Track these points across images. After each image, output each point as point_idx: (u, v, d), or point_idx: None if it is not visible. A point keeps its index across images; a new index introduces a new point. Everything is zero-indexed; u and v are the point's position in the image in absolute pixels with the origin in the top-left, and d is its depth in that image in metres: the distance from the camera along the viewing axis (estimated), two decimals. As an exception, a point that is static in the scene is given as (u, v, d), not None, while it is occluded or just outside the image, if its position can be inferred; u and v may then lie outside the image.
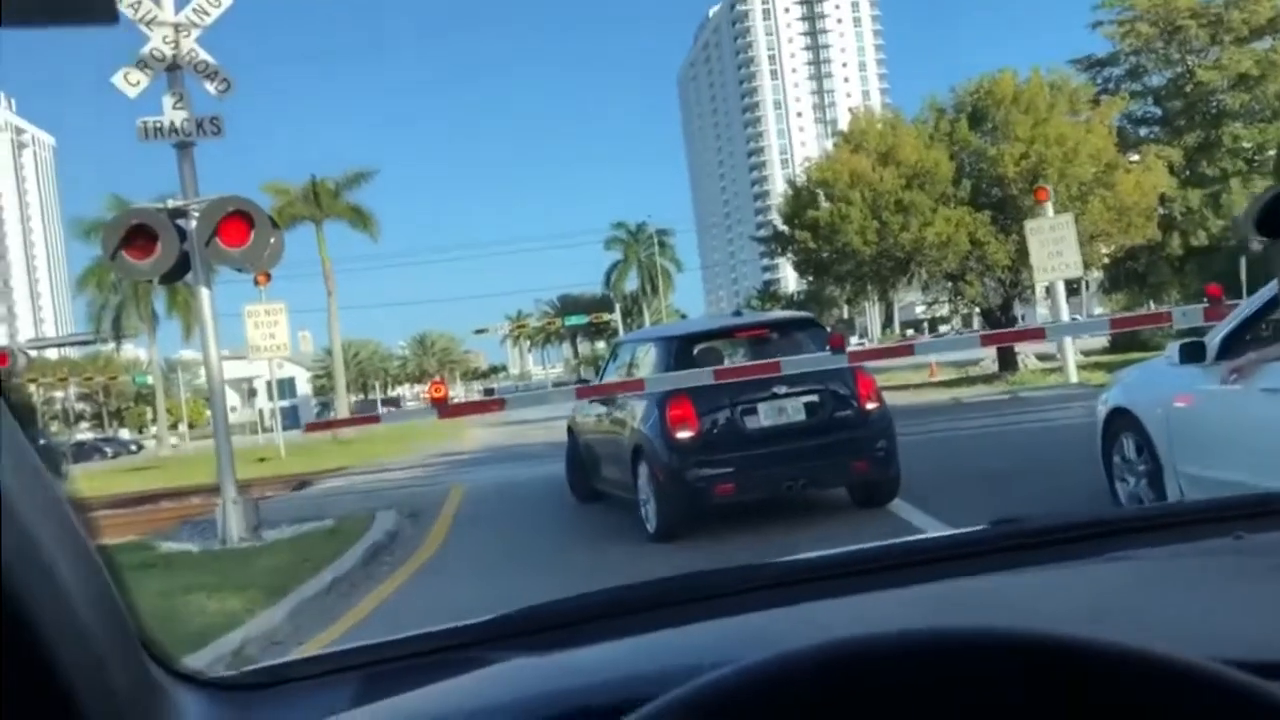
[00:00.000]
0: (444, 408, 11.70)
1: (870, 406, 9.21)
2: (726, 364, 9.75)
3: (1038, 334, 19.42)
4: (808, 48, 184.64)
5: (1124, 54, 36.05)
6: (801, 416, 8.99)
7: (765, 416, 8.94)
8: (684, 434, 8.81)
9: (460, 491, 14.12)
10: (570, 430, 11.95)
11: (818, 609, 1.31)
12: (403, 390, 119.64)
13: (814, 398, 9.04)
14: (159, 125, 11.30)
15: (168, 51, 11.24)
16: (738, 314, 14.24)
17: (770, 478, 8.89)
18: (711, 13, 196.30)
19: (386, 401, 69.31)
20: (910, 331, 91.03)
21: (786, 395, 9.02)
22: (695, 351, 9.72)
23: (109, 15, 1.03)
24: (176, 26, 11.28)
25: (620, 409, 9.96)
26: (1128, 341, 27.53)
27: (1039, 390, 21.79)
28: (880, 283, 31.18)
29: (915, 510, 8.82)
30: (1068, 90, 29.24)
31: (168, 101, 11.36)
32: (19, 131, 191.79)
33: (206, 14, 11.47)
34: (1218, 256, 31.47)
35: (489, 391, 19.81)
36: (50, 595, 0.77)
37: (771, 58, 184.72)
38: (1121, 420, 7.28)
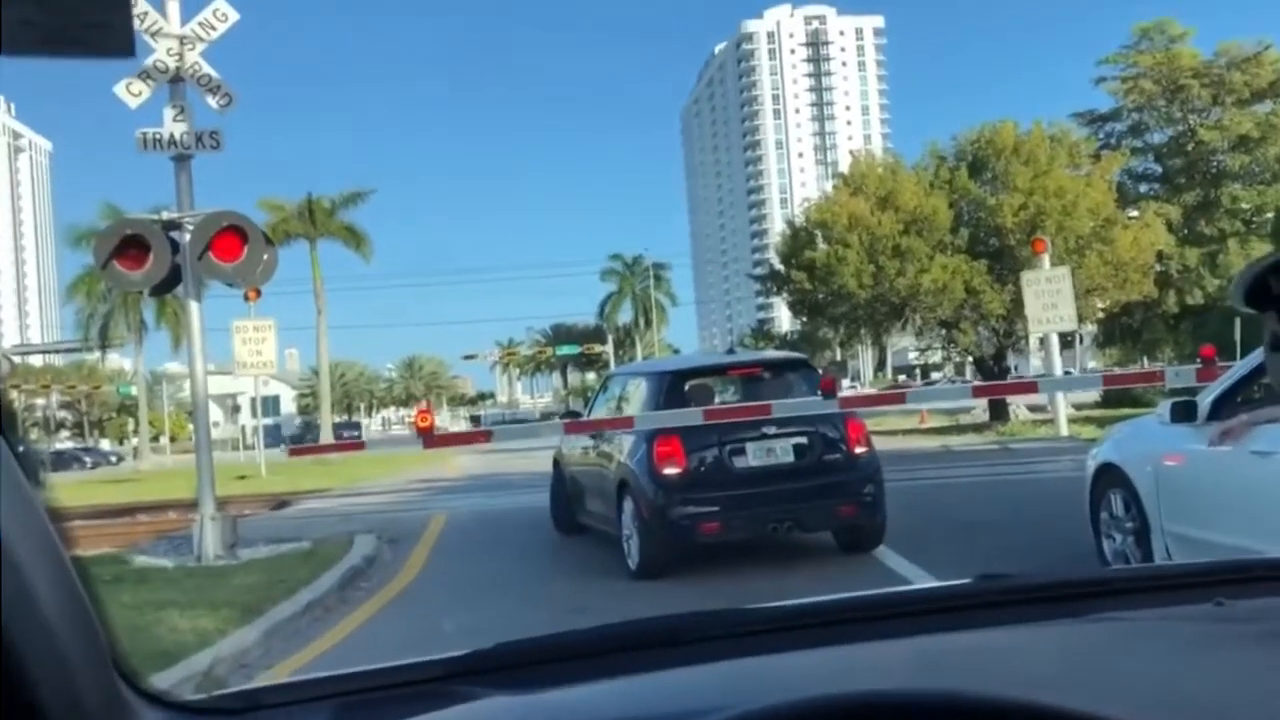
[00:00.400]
0: (430, 438, 11.47)
1: (859, 451, 9.17)
2: (718, 402, 9.77)
3: (1030, 387, 19.47)
4: (811, 89, 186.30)
5: (1126, 110, 36.38)
6: (790, 458, 8.91)
7: (753, 456, 8.85)
8: (671, 471, 8.72)
9: (441, 519, 14.00)
10: (556, 462, 11.88)
11: (797, 658, 1.32)
12: (388, 413, 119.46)
13: (803, 439, 8.97)
14: (158, 136, 11.28)
15: (171, 63, 11.25)
16: (731, 352, 14.24)
17: (756, 518, 8.80)
18: (717, 50, 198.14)
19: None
20: (903, 377, 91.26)
21: (775, 436, 8.96)
22: (687, 388, 9.68)
23: (126, 50, 1.04)
24: (181, 39, 11.29)
25: (608, 443, 9.89)
26: (1119, 397, 27.59)
27: (1029, 442, 21.77)
28: (874, 326, 31.23)
29: (900, 558, 8.76)
30: (1068, 143, 29.46)
31: (168, 113, 11.35)
32: (16, 136, 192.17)
33: (213, 28, 11.49)
34: (1213, 316, 31.60)
35: (475, 420, 19.74)
36: (22, 604, 0.75)
37: (775, 98, 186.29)
38: (1110, 476, 7.23)
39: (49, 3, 0.96)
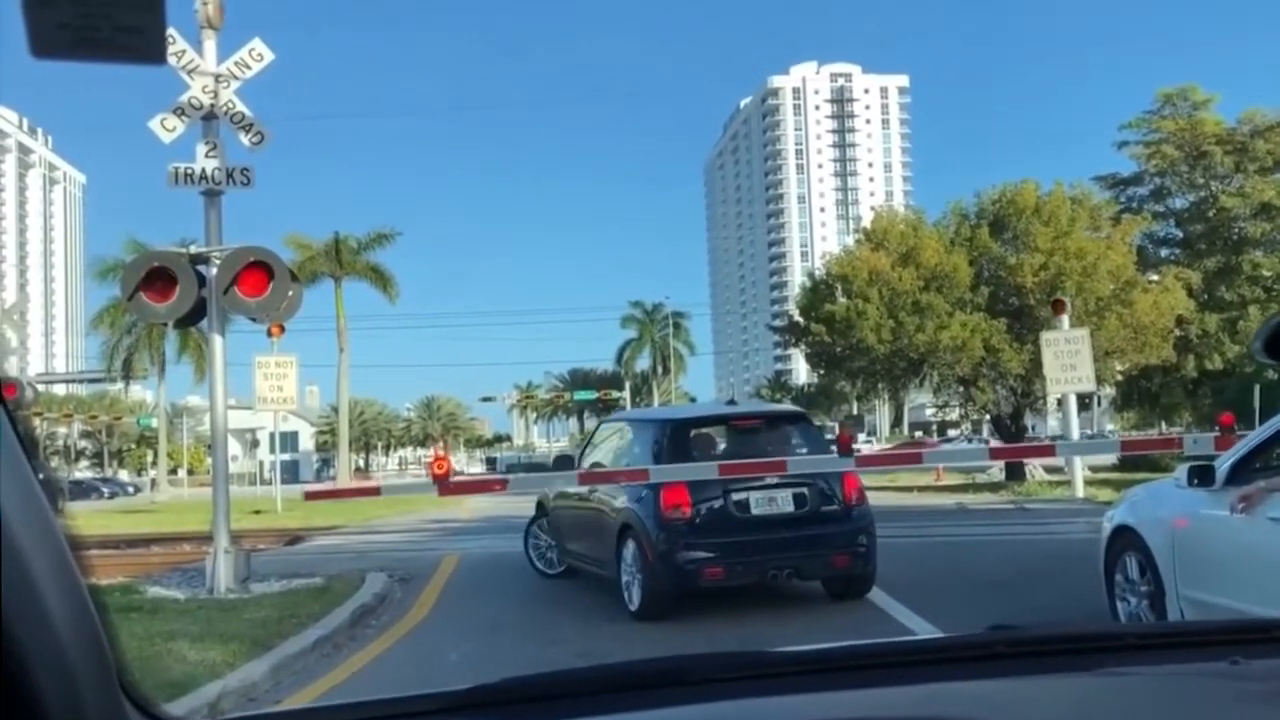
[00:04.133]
0: (444, 484, 11.51)
1: (854, 503, 9.49)
2: (719, 451, 10.01)
3: (1048, 450, 19.35)
4: (835, 145, 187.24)
5: (1148, 175, 36.43)
6: (790, 507, 9.21)
7: (756, 505, 9.15)
8: (677, 516, 8.96)
9: (454, 560, 13.98)
10: (540, 504, 12.03)
11: (803, 702, 1.32)
12: (405, 453, 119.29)
13: (803, 490, 9.30)
14: (190, 172, 11.45)
15: (206, 100, 11.44)
16: (732, 403, 14.35)
17: (757, 565, 9.07)
18: (743, 104, 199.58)
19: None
20: (919, 433, 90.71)
21: (777, 486, 9.26)
22: (690, 437, 9.98)
23: (158, 56, 1.05)
24: (217, 77, 11.50)
25: (606, 488, 10.07)
26: (1136, 461, 27.35)
27: (1045, 502, 21.58)
28: (892, 382, 31.15)
29: (910, 612, 8.69)
30: (1089, 205, 29.50)
31: (201, 149, 11.52)
32: (51, 168, 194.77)
33: (248, 67, 11.70)
34: (1232, 382, 31.40)
35: (491, 462, 19.68)
36: (37, 626, 0.77)
37: (799, 152, 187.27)
38: (1126, 539, 7.19)
39: (84, 5, 0.96)
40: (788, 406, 13.56)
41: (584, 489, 10.61)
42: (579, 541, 10.78)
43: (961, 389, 30.07)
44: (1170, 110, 35.97)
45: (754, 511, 9.12)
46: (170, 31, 11.82)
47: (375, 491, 19.49)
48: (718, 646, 1.60)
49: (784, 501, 9.22)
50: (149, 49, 1.03)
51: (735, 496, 9.12)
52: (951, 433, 77.45)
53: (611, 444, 11.02)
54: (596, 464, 10.96)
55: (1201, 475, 6.45)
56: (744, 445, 9.99)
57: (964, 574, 11.22)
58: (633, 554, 9.22)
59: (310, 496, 17.95)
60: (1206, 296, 33.53)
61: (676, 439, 9.83)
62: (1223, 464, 6.43)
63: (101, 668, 0.88)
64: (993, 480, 28.96)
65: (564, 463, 13.15)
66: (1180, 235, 36.82)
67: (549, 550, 11.76)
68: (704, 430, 10.33)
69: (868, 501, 9.74)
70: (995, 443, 31.52)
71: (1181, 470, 6.73)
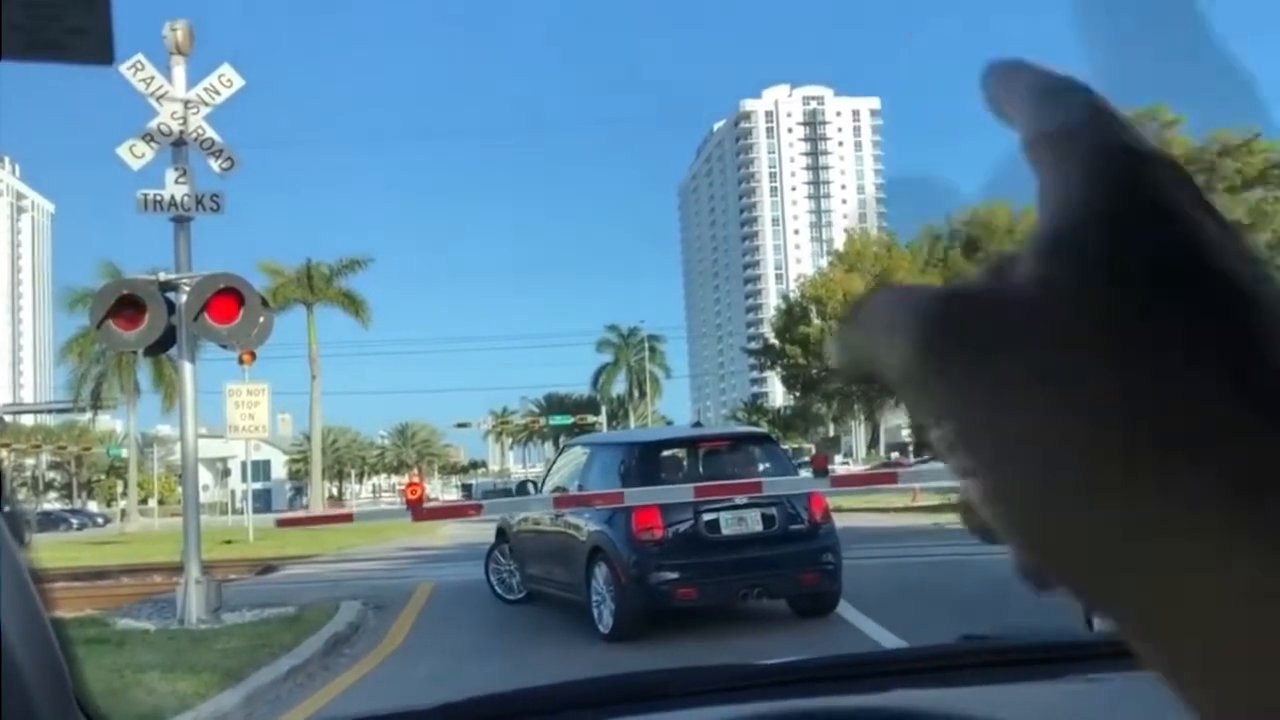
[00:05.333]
0: (419, 510, 11.56)
1: (821, 521, 9.71)
2: (686, 473, 10.17)
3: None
4: (808, 168, 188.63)
5: (1117, 194, 36.88)
6: (759, 527, 9.40)
7: (726, 525, 9.31)
8: (649, 538, 9.09)
9: (428, 587, 13.87)
10: (501, 531, 12.00)
11: (777, 710, 1.31)
12: (379, 480, 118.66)
13: (771, 510, 9.49)
14: (159, 198, 11.39)
15: (175, 126, 11.39)
16: (698, 425, 14.60)
17: (728, 584, 9.27)
18: (716, 128, 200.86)
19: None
20: (895, 454, 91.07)
21: (746, 506, 9.43)
22: (659, 459, 10.21)
23: (104, 54, 1.05)
24: (186, 103, 11.45)
25: (574, 512, 10.13)
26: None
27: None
28: (867, 403, 31.35)
29: (885, 630, 8.69)
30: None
31: (170, 175, 11.47)
32: (20, 196, 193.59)
33: (217, 93, 11.66)
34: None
35: (467, 489, 19.62)
36: None
37: (773, 175, 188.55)
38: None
39: (35, 7, 0.98)
40: (752, 428, 13.90)
41: (548, 514, 10.68)
42: (544, 566, 10.80)
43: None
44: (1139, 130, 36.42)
45: (724, 532, 9.27)
46: (139, 58, 11.80)
47: (348, 518, 19.32)
48: (692, 664, 1.58)
49: (753, 521, 9.38)
50: (94, 49, 1.03)
51: (706, 517, 9.25)
52: (927, 454, 77.84)
53: (574, 468, 11.06)
54: (559, 488, 10.98)
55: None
56: (711, 467, 10.19)
57: (940, 592, 11.22)
58: (604, 576, 9.29)
59: (283, 524, 17.84)
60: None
61: (645, 461, 9.96)
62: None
63: (64, 703, 0.86)
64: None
65: (525, 489, 13.17)
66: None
67: (510, 576, 11.73)
68: (672, 452, 10.48)
69: (833, 520, 9.95)
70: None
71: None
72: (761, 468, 10.14)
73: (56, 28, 1.00)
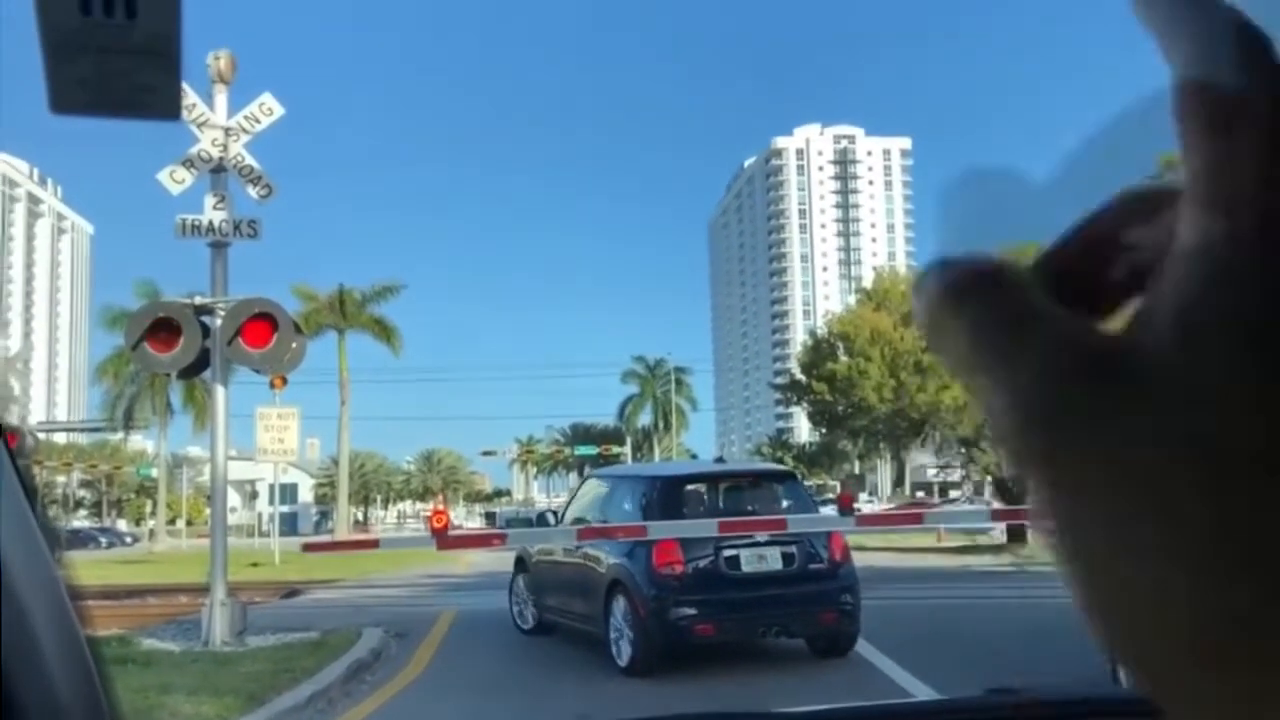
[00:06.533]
0: (444, 538, 11.58)
1: (840, 561, 9.71)
2: (704, 509, 10.17)
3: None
4: (838, 205, 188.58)
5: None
6: (779, 565, 9.43)
7: (746, 563, 9.33)
8: (670, 573, 9.11)
9: (450, 616, 13.87)
10: (520, 560, 12.10)
11: None
12: (404, 506, 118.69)
13: (791, 549, 9.50)
14: (197, 223, 11.54)
15: (215, 154, 11.57)
16: (720, 460, 14.62)
17: (747, 621, 9.29)
18: (746, 164, 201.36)
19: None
20: (920, 494, 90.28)
21: (766, 544, 9.44)
22: (681, 493, 10.26)
23: (173, 113, 1.06)
24: (227, 131, 11.63)
25: (593, 544, 10.16)
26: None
27: (1048, 566, 21.36)
28: (894, 441, 31.12)
29: (908, 674, 8.61)
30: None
31: (209, 201, 11.63)
32: (60, 218, 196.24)
33: (258, 121, 11.84)
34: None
35: (490, 517, 19.62)
36: (33, 674, 0.76)
37: (802, 212, 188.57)
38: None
39: (104, 63, 0.96)
40: (776, 465, 13.97)
41: (569, 545, 10.71)
42: (562, 597, 10.84)
43: (963, 450, 30.00)
44: (1172, 176, 36.20)
45: (744, 569, 9.28)
46: (182, 86, 11.97)
47: (374, 544, 19.35)
48: (713, 704, 1.57)
49: (773, 559, 9.40)
50: (165, 106, 1.03)
51: (726, 554, 9.26)
52: (953, 493, 77.03)
53: (595, 500, 11.14)
54: (579, 519, 11.03)
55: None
56: (733, 502, 10.23)
57: (963, 636, 11.12)
58: (623, 610, 9.31)
59: (308, 548, 17.85)
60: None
61: (667, 496, 10.02)
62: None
63: (98, 718, 0.87)
64: (994, 542, 28.80)
65: (544, 520, 13.24)
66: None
67: (525, 606, 11.81)
68: (694, 487, 10.51)
69: (852, 561, 9.93)
70: (997, 504, 31.38)
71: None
72: (784, 505, 10.15)
73: (125, 84, 0.99)
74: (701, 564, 9.23)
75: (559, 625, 11.05)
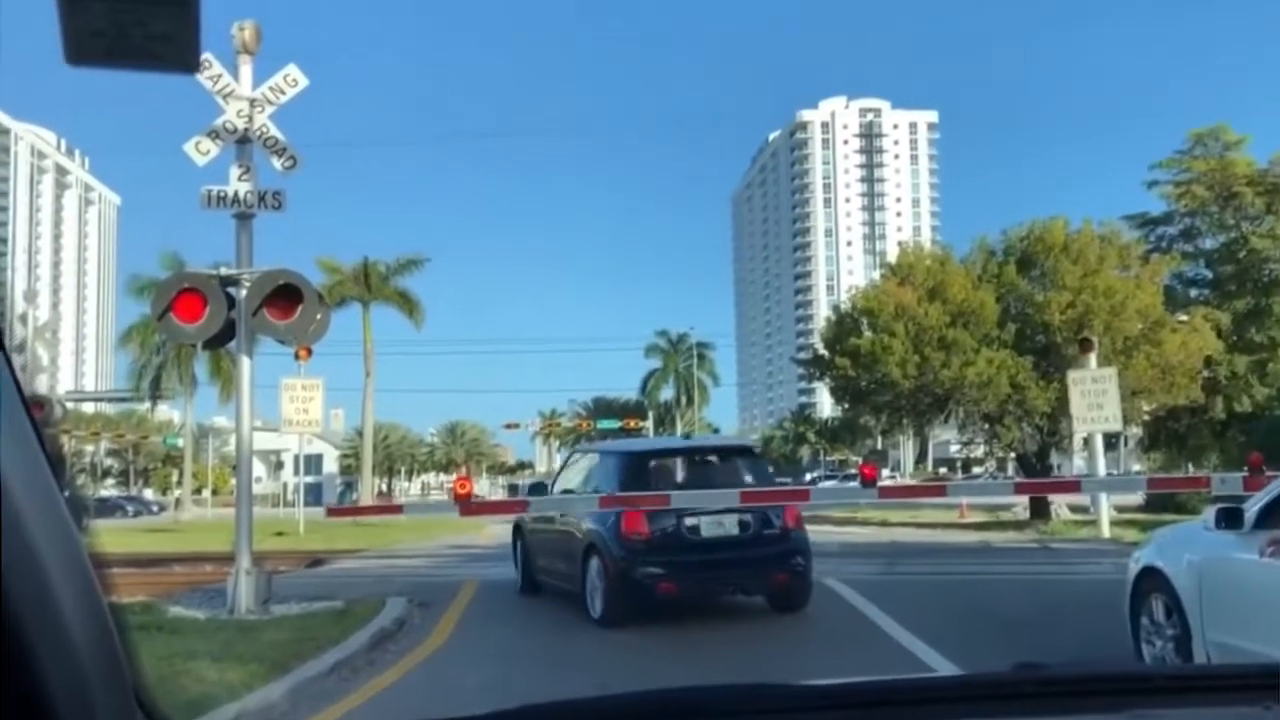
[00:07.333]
0: (466, 505, 12.34)
1: (791, 528, 10.64)
2: (673, 481, 11.03)
3: (1073, 486, 19.19)
4: (863, 180, 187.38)
5: (1178, 215, 36.16)
6: (735, 531, 10.38)
7: (705, 529, 10.31)
8: (636, 538, 10.13)
9: (473, 586, 13.96)
10: (517, 528, 13.29)
11: None
12: (428, 478, 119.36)
13: (747, 517, 10.45)
14: (222, 194, 11.57)
15: (240, 125, 11.58)
16: (687, 436, 16.02)
17: (705, 581, 10.42)
18: (771, 138, 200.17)
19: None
20: (943, 470, 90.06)
21: (724, 512, 10.33)
22: (650, 466, 11.31)
23: (190, 65, 1.04)
24: (252, 101, 11.63)
25: (573, 513, 11.31)
26: (1163, 502, 27.05)
27: (1070, 542, 21.36)
28: (917, 417, 30.95)
29: (932, 650, 8.59)
30: (1118, 244, 29.29)
31: (234, 172, 11.65)
32: (87, 189, 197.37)
33: (282, 92, 11.83)
34: (1261, 424, 31.03)
35: (513, 489, 19.87)
36: (56, 641, 0.77)
37: (826, 186, 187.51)
38: (1152, 580, 7.10)
39: (119, 13, 0.95)
40: (736, 441, 15.88)
41: (553, 515, 11.86)
42: (549, 559, 11.97)
43: (987, 426, 29.85)
44: (1201, 150, 35.76)
45: (704, 534, 10.30)
46: (207, 55, 12.00)
47: (397, 510, 19.58)
48: (737, 681, 1.57)
49: (730, 525, 10.37)
50: (181, 57, 1.01)
51: (688, 521, 10.26)
52: (976, 470, 76.79)
53: (580, 472, 12.36)
54: (567, 490, 12.14)
55: (1230, 518, 6.37)
56: (698, 474, 11.16)
57: (986, 612, 11.11)
58: (596, 570, 10.34)
59: (332, 513, 18.02)
60: (1236, 338, 33.19)
61: (639, 468, 11.19)
62: (1252, 507, 6.36)
63: (119, 685, 0.88)
64: (1017, 519, 28.71)
65: (538, 489, 14.36)
66: (1210, 276, 36.50)
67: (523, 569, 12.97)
68: (663, 461, 11.47)
69: (804, 527, 10.93)
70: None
71: (1210, 512, 6.66)
72: (746, 478, 11.03)
73: (140, 33, 0.97)
74: (666, 530, 10.17)
75: (545, 585, 12.16)
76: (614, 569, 10.08)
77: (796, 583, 10.56)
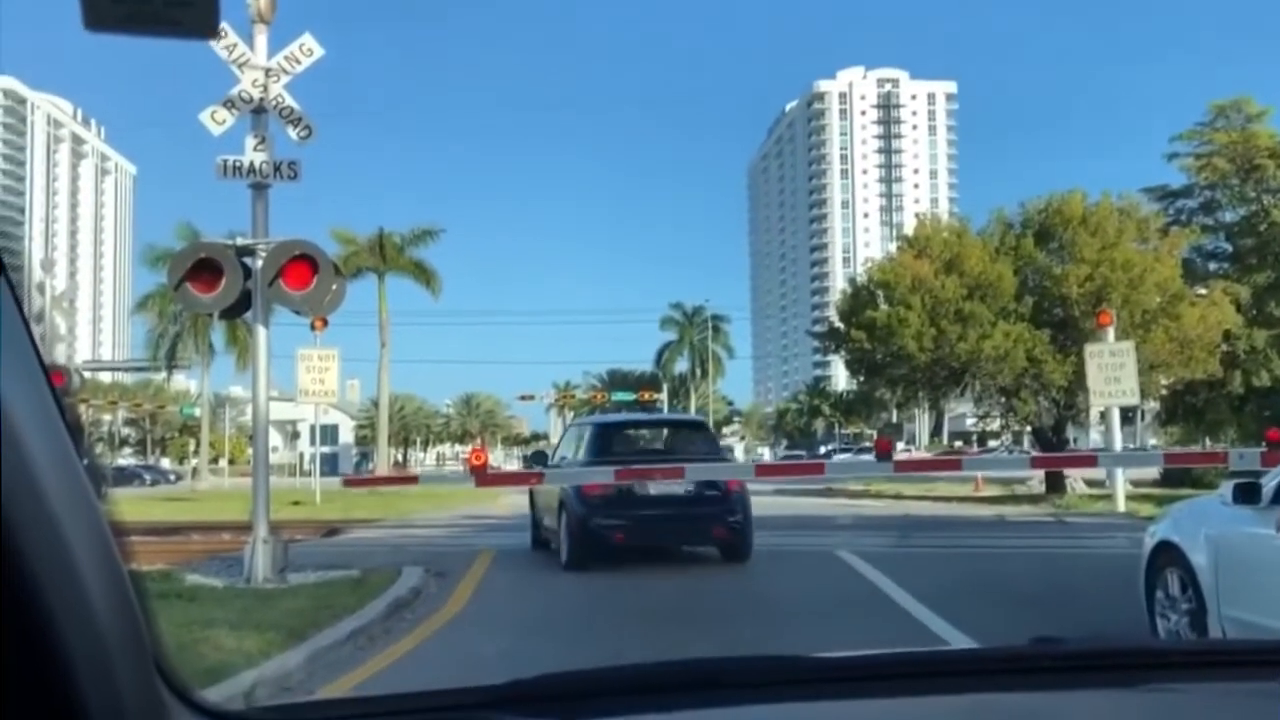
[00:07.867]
0: (482, 475, 13.16)
1: (732, 491, 12.34)
2: (636, 448, 13.99)
3: (1089, 460, 19.13)
4: (880, 151, 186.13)
5: (1198, 187, 35.85)
6: (680, 491, 12.14)
7: (655, 488, 12.09)
8: (594, 495, 11.95)
9: (489, 556, 14.04)
10: (531, 493, 14.82)
11: (842, 709, 1.32)
12: (443, 449, 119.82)
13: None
14: (238, 164, 11.56)
15: (256, 94, 11.55)
16: (655, 409, 19.14)
17: (654, 533, 12.28)
18: (788, 108, 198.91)
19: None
20: (959, 443, 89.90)
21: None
22: (616, 435, 13.78)
23: (209, 30, 1.02)
24: (267, 71, 11.61)
25: (561, 477, 13.01)
26: (1180, 476, 26.97)
27: (1085, 516, 21.34)
28: (932, 390, 30.87)
29: (947, 624, 8.60)
30: (1137, 217, 29.06)
31: (250, 142, 11.63)
32: (104, 158, 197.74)
33: (298, 62, 11.80)
34: (1279, 399, 30.88)
35: (528, 461, 20.04)
36: (77, 609, 0.78)
37: (843, 157, 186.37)
38: (1168, 555, 7.08)
39: None
40: (689, 415, 20.59)
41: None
42: (547, 517, 13.49)
43: (1003, 400, 29.76)
44: (1223, 123, 35.40)
45: (653, 492, 12.04)
46: (223, 24, 11.97)
47: (413, 480, 19.65)
48: (754, 652, 1.57)
49: (675, 486, 12.09)
50: (200, 22, 1.01)
51: (639, 481, 11.99)
52: (992, 443, 76.69)
53: (572, 441, 14.09)
54: (564, 458, 13.83)
55: (1247, 493, 6.34)
56: (653, 443, 13.91)
57: (1002, 586, 11.11)
58: (564, 523, 12.19)
59: (349, 483, 18.11)
60: (1255, 312, 32.97)
61: (604, 438, 13.22)
62: (1270, 482, 6.33)
63: (140, 653, 0.88)
64: (1033, 492, 28.67)
65: (539, 458, 16.20)
66: (1229, 249, 36.21)
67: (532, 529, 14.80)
68: (628, 431, 14.38)
69: (745, 490, 12.57)
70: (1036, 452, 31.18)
71: (1227, 487, 6.63)
72: (695, 448, 13.18)
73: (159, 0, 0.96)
74: (620, 489, 11.88)
75: (547, 541, 13.54)
76: (575, 521, 11.93)
77: (735, 538, 12.32)
